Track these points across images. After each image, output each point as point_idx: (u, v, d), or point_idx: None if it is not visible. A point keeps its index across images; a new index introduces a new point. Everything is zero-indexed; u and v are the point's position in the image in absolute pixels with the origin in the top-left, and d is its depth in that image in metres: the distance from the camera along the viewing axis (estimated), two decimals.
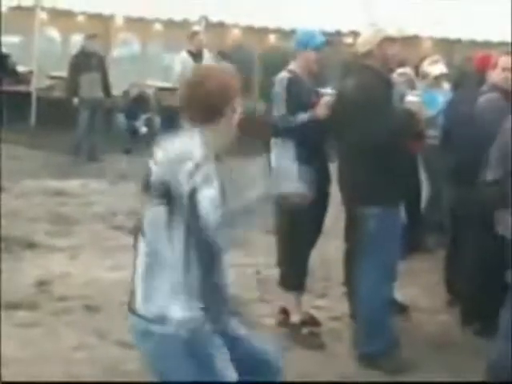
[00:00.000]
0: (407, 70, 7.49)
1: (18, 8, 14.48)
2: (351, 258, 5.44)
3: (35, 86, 14.34)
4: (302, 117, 5.26)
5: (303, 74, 5.46)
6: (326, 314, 5.86)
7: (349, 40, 12.42)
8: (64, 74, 12.97)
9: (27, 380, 4.54)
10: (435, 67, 7.91)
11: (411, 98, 5.17)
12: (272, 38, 15.19)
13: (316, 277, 6.26)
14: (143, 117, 13.29)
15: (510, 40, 9.56)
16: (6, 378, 4.44)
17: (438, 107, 6.76)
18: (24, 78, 14.78)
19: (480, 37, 12.52)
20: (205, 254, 2.98)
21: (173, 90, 12.21)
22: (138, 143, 12.72)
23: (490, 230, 4.87)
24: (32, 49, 14.48)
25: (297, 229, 5.35)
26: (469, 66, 6.60)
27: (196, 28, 11.86)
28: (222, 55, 14.54)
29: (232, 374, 3.09)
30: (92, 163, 11.75)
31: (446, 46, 13.05)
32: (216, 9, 13.30)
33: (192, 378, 3.02)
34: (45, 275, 6.42)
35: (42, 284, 6.24)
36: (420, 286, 6.53)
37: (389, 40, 5.02)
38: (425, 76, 7.90)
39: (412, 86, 7.19)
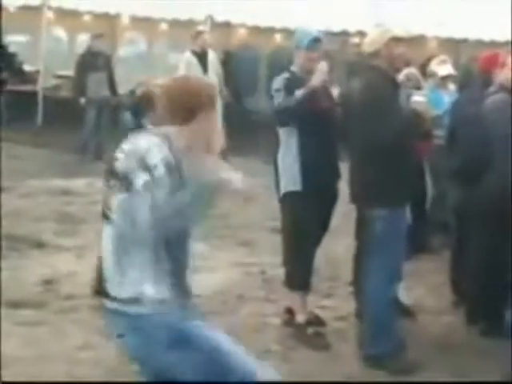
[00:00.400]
0: (413, 70, 7.48)
1: (25, 7, 14.48)
2: (360, 257, 5.46)
3: (42, 85, 14.36)
4: (299, 93, 5.22)
5: (302, 73, 5.42)
6: (331, 313, 5.86)
7: (355, 40, 12.39)
8: (70, 73, 12.99)
9: (31, 379, 4.55)
10: (443, 67, 7.89)
11: (417, 98, 5.17)
12: (278, 37, 15.17)
13: (322, 276, 6.27)
14: (149, 115, 13.28)
15: None
16: (10, 377, 4.46)
17: (444, 107, 6.76)
18: (31, 78, 14.79)
19: (486, 36, 12.49)
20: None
21: None
22: None
23: (494, 230, 4.88)
24: (39, 48, 14.49)
25: (302, 227, 5.35)
26: (475, 65, 6.60)
27: (201, 28, 11.86)
28: (227, 55, 14.58)
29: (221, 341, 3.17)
30: (98, 162, 11.71)
31: (452, 46, 13.02)
32: (222, 8, 13.30)
33: (177, 357, 3.07)
34: (51, 274, 6.44)
35: (48, 283, 6.25)
36: (425, 287, 6.53)
37: (395, 40, 5.01)
38: (432, 75, 7.89)
39: (418, 85, 7.18)
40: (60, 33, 16.35)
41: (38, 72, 14.64)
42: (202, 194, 3.05)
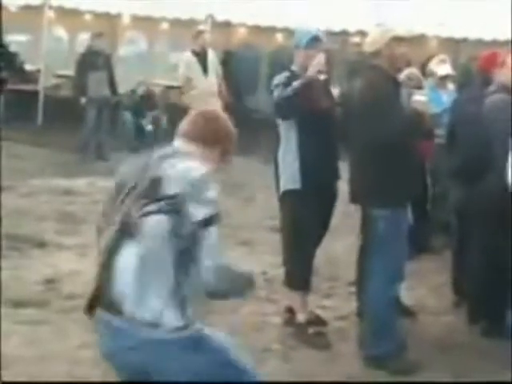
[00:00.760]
0: (414, 69, 7.48)
1: (26, 7, 14.50)
2: (362, 257, 5.47)
3: (42, 84, 14.37)
4: (296, 83, 5.21)
5: (302, 72, 5.38)
6: (332, 313, 5.87)
7: (356, 39, 12.40)
8: (71, 72, 12.99)
9: (31, 379, 4.55)
10: (442, 67, 7.90)
11: (418, 98, 5.17)
12: (279, 37, 15.18)
13: (322, 276, 6.27)
14: (150, 115, 13.31)
15: None
16: (11, 376, 4.46)
17: (443, 106, 6.77)
18: (31, 77, 14.81)
19: (486, 36, 12.49)
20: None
21: (179, 88, 12.24)
22: (145, 141, 12.76)
23: (495, 229, 4.89)
24: (39, 47, 14.51)
25: (301, 226, 5.35)
26: (474, 65, 6.60)
27: (201, 27, 11.86)
28: (228, 55, 14.58)
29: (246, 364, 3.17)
30: (99, 161, 11.77)
31: (452, 45, 13.03)
32: (223, 8, 13.31)
33: (205, 374, 3.03)
34: (53, 273, 6.45)
35: (50, 282, 6.26)
36: (427, 287, 6.54)
37: (397, 40, 5.01)
38: (431, 75, 7.89)
39: (419, 85, 7.18)
40: (61, 32, 16.36)
41: (38, 71, 14.66)
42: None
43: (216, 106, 9.44)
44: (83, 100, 12.03)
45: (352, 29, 13.28)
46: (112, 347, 3.10)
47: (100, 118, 12.23)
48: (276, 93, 5.31)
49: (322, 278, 6.30)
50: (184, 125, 3.25)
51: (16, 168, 9.91)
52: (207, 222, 2.89)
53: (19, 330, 5.25)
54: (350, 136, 5.15)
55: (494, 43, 11.34)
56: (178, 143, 3.19)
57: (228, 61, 14.24)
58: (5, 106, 13.39)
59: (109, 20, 15.16)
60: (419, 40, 11.83)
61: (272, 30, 14.21)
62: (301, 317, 5.50)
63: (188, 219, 2.89)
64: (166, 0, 13.72)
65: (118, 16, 15.12)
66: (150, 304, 2.94)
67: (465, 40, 13.09)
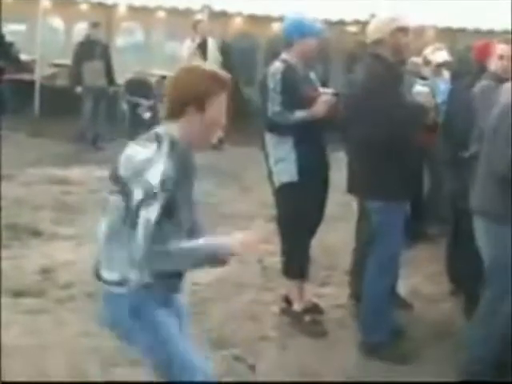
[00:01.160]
0: (416, 59, 7.46)
1: None
2: (360, 243, 5.48)
3: (39, 74, 14.34)
4: (300, 114, 5.16)
5: (298, 63, 5.31)
6: (328, 302, 5.89)
7: (353, 29, 12.39)
8: (67, 62, 12.98)
9: (30, 367, 4.58)
10: (438, 54, 7.87)
11: (420, 89, 5.13)
12: (275, 26, 15.14)
13: (319, 265, 6.29)
14: (146, 105, 13.30)
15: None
16: (10, 367, 4.48)
17: (441, 95, 6.76)
18: (27, 67, 14.77)
19: (484, 26, 12.49)
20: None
21: None
22: (141, 131, 12.72)
23: None
24: (35, 37, 14.46)
25: (298, 217, 5.35)
26: (470, 54, 6.59)
27: (199, 17, 11.86)
28: (224, 44, 14.56)
29: (185, 346, 3.22)
30: (96, 151, 11.77)
31: (450, 35, 13.02)
32: None
33: (142, 341, 3.23)
34: (49, 263, 6.46)
35: (46, 271, 6.27)
36: (422, 275, 6.56)
37: (402, 29, 4.90)
38: (427, 64, 7.87)
39: (421, 75, 7.18)
40: (57, 22, 16.31)
41: (34, 61, 14.61)
42: None
43: None
44: (79, 89, 12.03)
45: (348, 18, 13.27)
46: (103, 314, 3.34)
47: (96, 107, 12.23)
48: (272, 105, 5.17)
49: (319, 267, 6.31)
50: None
51: (12, 157, 9.89)
52: (139, 205, 3.00)
53: (19, 319, 5.27)
54: (350, 126, 5.10)
55: (491, 33, 11.34)
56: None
57: (225, 51, 14.21)
58: (1, 96, 13.36)
59: (105, 10, 15.11)
60: (417, 30, 11.81)
61: (268, 19, 14.17)
62: (297, 305, 5.52)
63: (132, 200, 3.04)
64: None
65: (114, 6, 15.08)
66: (117, 266, 3.15)
67: (462, 30, 13.08)
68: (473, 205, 4.60)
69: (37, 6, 14.24)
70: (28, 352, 4.79)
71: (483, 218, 4.51)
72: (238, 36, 15.43)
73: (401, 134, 4.77)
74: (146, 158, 3.05)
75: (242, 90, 14.43)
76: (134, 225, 3.01)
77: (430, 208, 7.50)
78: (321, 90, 5.52)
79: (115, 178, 3.14)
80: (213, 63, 10.78)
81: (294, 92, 5.18)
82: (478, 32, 12.42)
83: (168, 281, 3.21)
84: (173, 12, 14.31)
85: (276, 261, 5.90)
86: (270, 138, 5.36)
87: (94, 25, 12.34)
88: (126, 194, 3.07)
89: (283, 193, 5.39)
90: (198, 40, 11.23)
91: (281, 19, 14.30)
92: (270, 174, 5.46)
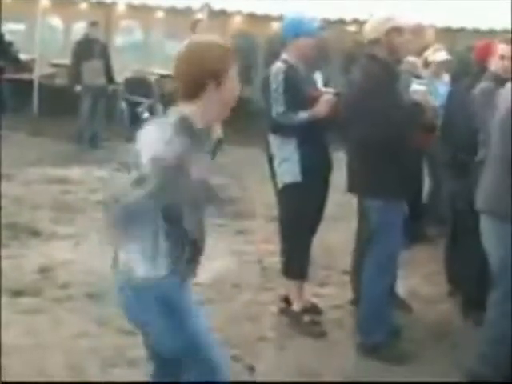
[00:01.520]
0: (413, 59, 7.46)
1: None
2: (358, 245, 5.47)
3: (38, 73, 14.33)
4: (302, 116, 5.17)
5: (298, 63, 5.32)
6: (327, 302, 5.89)
7: (352, 28, 12.39)
8: (66, 61, 12.97)
9: (28, 368, 4.57)
10: (438, 54, 7.88)
11: (417, 88, 5.13)
12: (275, 25, 15.13)
13: (318, 265, 6.28)
14: (145, 104, 13.28)
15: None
16: (8, 366, 4.47)
17: (441, 97, 6.76)
18: (26, 66, 14.77)
19: (483, 25, 12.49)
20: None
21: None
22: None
23: None
24: (34, 37, 14.46)
25: (301, 218, 5.35)
26: (470, 55, 6.58)
27: (198, 16, 11.85)
28: None
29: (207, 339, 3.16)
30: (94, 150, 11.77)
31: (449, 35, 13.02)
32: None
33: (162, 328, 3.09)
34: (48, 262, 6.45)
35: (45, 271, 6.26)
36: (421, 276, 6.55)
37: (397, 29, 4.93)
38: (428, 65, 7.88)
39: (418, 75, 7.17)
40: (56, 21, 16.31)
41: (33, 60, 14.61)
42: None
43: None
44: (78, 88, 12.02)
45: (348, 18, 13.27)
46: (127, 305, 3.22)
47: (95, 107, 12.22)
48: (275, 105, 5.18)
49: (318, 267, 6.30)
50: None
51: (12, 157, 9.88)
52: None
53: (17, 319, 5.26)
54: (349, 126, 5.10)
55: (491, 33, 11.34)
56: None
57: None
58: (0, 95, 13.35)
59: (104, 9, 15.11)
60: (416, 30, 11.80)
61: (268, 18, 14.17)
62: (296, 305, 5.52)
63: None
64: None
65: (113, 5, 15.08)
66: (124, 256, 3.12)
67: (461, 30, 13.08)
68: (482, 206, 4.59)
69: (36, 5, 14.24)
70: (26, 352, 4.78)
71: (494, 218, 4.49)
72: (238, 35, 15.42)
73: (398, 133, 4.77)
74: (146, 140, 2.99)
75: (241, 89, 14.43)
76: None
77: (429, 209, 7.50)
78: (322, 89, 5.52)
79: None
80: None
81: (296, 92, 5.19)
82: (477, 32, 12.42)
83: (188, 266, 3.14)
84: (172, 11, 14.31)
85: (275, 261, 5.90)
86: (273, 139, 5.37)
87: (93, 24, 12.33)
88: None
89: (286, 193, 5.38)
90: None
91: (280, 18, 14.31)
92: (273, 175, 5.46)
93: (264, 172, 5.57)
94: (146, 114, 13.12)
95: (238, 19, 15.32)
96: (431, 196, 7.59)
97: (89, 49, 12.08)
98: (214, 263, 6.50)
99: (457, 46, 11.54)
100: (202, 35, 3.17)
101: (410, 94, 5.03)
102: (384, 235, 4.96)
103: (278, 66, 5.28)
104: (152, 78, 14.01)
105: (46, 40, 14.63)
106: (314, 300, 5.79)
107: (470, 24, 12.82)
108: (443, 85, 7.53)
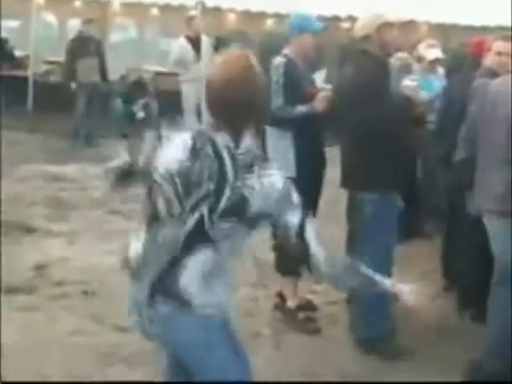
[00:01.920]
0: (405, 54, 7.48)
1: None
2: (352, 240, 5.47)
3: (32, 70, 14.29)
4: (300, 109, 5.23)
5: (298, 58, 5.41)
6: (322, 298, 5.89)
7: (346, 25, 12.39)
8: (61, 58, 12.94)
9: (24, 366, 4.57)
10: (431, 51, 7.87)
11: (408, 83, 5.17)
12: (269, 22, 15.14)
13: None
14: (140, 101, 13.27)
15: (506, 25, 9.55)
16: (3, 364, 4.47)
17: (434, 92, 6.77)
18: (21, 63, 14.72)
19: (477, 22, 12.50)
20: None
21: (170, 74, 12.23)
22: (135, 128, 12.72)
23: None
24: (29, 33, 14.42)
25: None
26: (464, 51, 6.60)
27: (193, 13, 11.84)
28: (218, 41, 14.52)
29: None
30: (90, 148, 11.75)
31: (442, 31, 13.03)
32: None
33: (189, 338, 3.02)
34: (43, 260, 6.45)
35: (40, 268, 6.26)
36: (417, 271, 6.55)
37: (387, 25, 5.03)
38: (420, 60, 7.87)
39: (409, 70, 7.18)
40: (50, 18, 16.28)
41: (28, 57, 14.57)
42: None
43: None
44: (73, 85, 12.01)
45: (343, 14, 13.27)
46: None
47: (90, 104, 12.21)
48: (275, 99, 5.24)
49: None
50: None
51: (7, 154, 9.86)
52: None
53: (12, 317, 5.26)
54: (341, 120, 5.14)
55: (484, 29, 11.35)
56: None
57: (219, 47, 14.19)
58: None
59: (99, 6, 15.07)
60: (409, 25, 11.80)
61: (263, 15, 14.16)
62: (291, 302, 5.52)
63: None
64: None
65: (108, 2, 15.04)
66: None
67: (455, 26, 13.09)
68: (491, 208, 4.60)
69: (30, 2, 14.18)
70: (22, 350, 4.78)
71: (505, 219, 4.50)
72: (232, 32, 15.40)
73: (389, 126, 4.82)
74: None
75: None
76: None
77: (424, 204, 7.50)
78: (321, 86, 5.57)
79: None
80: (206, 60, 10.80)
81: (295, 86, 5.27)
82: (470, 28, 12.42)
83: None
84: (166, 8, 14.28)
85: (270, 257, 5.90)
86: (270, 134, 5.38)
87: (87, 21, 12.31)
88: None
89: None
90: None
91: (275, 16, 14.34)
92: None
93: None
94: (141, 113, 13.12)
95: (232, 16, 15.31)
96: (427, 192, 7.59)
97: (83, 46, 12.05)
98: None
99: (450, 42, 11.56)
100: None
101: (401, 88, 5.07)
102: (379, 228, 4.96)
103: (279, 59, 5.37)
104: (147, 76, 13.99)
105: (40, 37, 14.58)
106: (309, 296, 5.79)
107: (463, 20, 12.82)
108: (437, 78, 7.54)
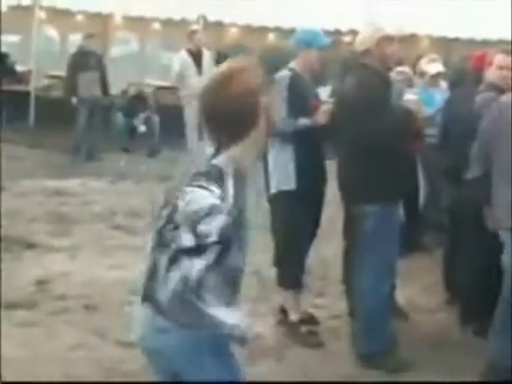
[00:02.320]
0: (405, 68, 7.50)
1: (17, 7, 14.46)
2: (349, 256, 5.46)
3: (34, 85, 14.32)
4: (303, 122, 5.25)
5: (304, 73, 5.45)
6: (324, 312, 5.87)
7: (347, 39, 12.43)
8: (62, 73, 12.97)
9: (26, 380, 4.56)
10: (432, 66, 7.92)
11: (409, 97, 5.18)
12: (271, 36, 15.19)
13: (314, 275, 6.28)
14: (141, 116, 13.29)
15: (507, 38, 9.56)
16: (4, 378, 4.45)
17: (436, 106, 6.77)
18: (23, 78, 14.76)
19: (478, 35, 12.53)
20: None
21: (171, 88, 12.25)
22: (137, 142, 12.75)
23: (487, 228, 4.90)
24: (30, 48, 14.46)
25: (294, 226, 5.35)
26: (466, 64, 6.61)
27: (195, 27, 11.88)
28: (220, 55, 14.56)
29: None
30: (91, 162, 11.76)
31: (444, 45, 13.06)
32: (214, 8, 13.30)
33: (213, 376, 2.94)
34: (44, 275, 6.43)
35: (41, 283, 6.24)
36: (418, 285, 6.54)
37: (387, 39, 5.04)
38: (422, 74, 7.91)
39: (410, 84, 7.21)
40: (52, 33, 16.33)
41: (29, 72, 14.61)
42: None
43: None
44: (74, 100, 12.02)
45: (344, 28, 13.31)
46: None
47: (91, 118, 12.22)
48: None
49: (315, 277, 6.30)
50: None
51: (8, 168, 9.87)
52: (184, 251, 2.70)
53: (13, 331, 5.24)
54: (341, 133, 5.14)
55: (485, 43, 11.38)
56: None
57: (220, 61, 14.21)
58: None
59: (100, 20, 15.13)
60: (411, 39, 11.85)
61: (264, 30, 14.21)
62: (293, 316, 5.51)
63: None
64: (157, 0, 13.70)
65: (110, 16, 15.10)
66: None
67: (456, 39, 13.12)
68: (506, 223, 4.60)
69: (32, 16, 14.24)
70: (23, 365, 4.76)
71: None
72: (234, 47, 15.44)
73: (389, 139, 4.82)
74: (203, 206, 2.62)
75: None
76: (170, 264, 2.69)
77: (426, 217, 7.49)
78: (324, 100, 5.60)
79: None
80: (207, 74, 10.81)
81: (299, 99, 5.28)
82: (472, 42, 12.45)
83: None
84: (168, 22, 14.34)
85: (272, 271, 5.88)
86: (270, 146, 5.38)
87: (88, 36, 12.35)
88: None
89: (280, 200, 5.40)
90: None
91: (276, 30, 14.39)
92: (267, 182, 5.47)
93: (258, 180, 5.56)
94: (143, 127, 13.14)
95: (233, 31, 15.35)
96: (428, 204, 7.58)
97: (84, 60, 12.08)
98: None
99: (452, 55, 11.59)
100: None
101: (402, 102, 5.08)
102: (381, 241, 4.95)
103: (284, 72, 5.41)
104: (148, 90, 14.02)
105: (42, 51, 14.62)
106: (312, 310, 5.77)
107: (464, 34, 12.86)
108: (439, 92, 7.55)
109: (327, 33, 12.18)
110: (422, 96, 6.10)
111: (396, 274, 5.33)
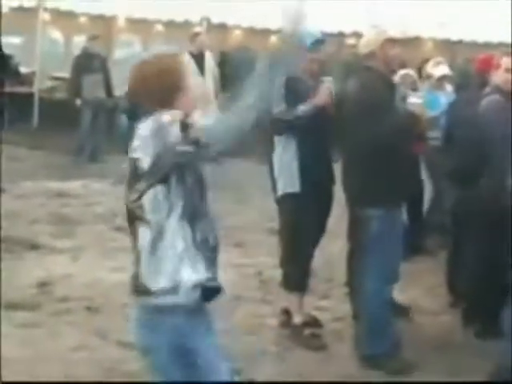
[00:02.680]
0: (410, 71, 7.49)
1: (21, 9, 14.49)
2: (353, 258, 5.45)
3: (38, 86, 14.33)
4: (303, 108, 5.22)
5: (301, 74, 5.34)
6: (328, 315, 5.86)
7: (351, 41, 12.41)
8: (66, 74, 12.99)
9: (27, 380, 4.55)
10: (438, 68, 7.92)
11: (413, 100, 5.17)
12: (274, 39, 15.15)
13: (318, 278, 6.26)
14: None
15: (507, 41, 9.55)
16: (6, 379, 4.44)
17: (441, 108, 6.76)
18: (26, 79, 14.78)
19: (481, 38, 12.52)
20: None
21: None
22: None
23: (491, 231, 4.89)
24: (34, 50, 14.48)
25: (299, 229, 5.33)
26: (470, 67, 6.60)
27: (197, 29, 11.87)
28: (223, 57, 14.58)
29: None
30: (94, 164, 11.76)
31: (448, 48, 13.05)
32: (218, 10, 13.30)
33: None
34: (46, 276, 6.43)
35: (43, 285, 6.24)
36: (422, 288, 6.52)
37: (391, 41, 5.04)
38: (428, 77, 7.92)
39: (414, 87, 7.19)
40: (56, 34, 16.35)
41: (33, 74, 14.62)
42: None
43: (212, 108, 9.48)
44: (78, 102, 12.03)
45: (347, 30, 13.30)
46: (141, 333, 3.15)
47: (95, 120, 12.22)
48: (276, 105, 5.22)
49: (319, 280, 6.28)
50: None
51: (11, 170, 9.87)
52: None
53: (14, 332, 5.23)
54: (345, 136, 5.14)
55: (488, 45, 11.37)
56: None
57: (223, 63, 14.22)
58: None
59: (104, 22, 15.15)
60: (414, 42, 11.84)
61: (267, 32, 14.19)
62: (297, 318, 5.49)
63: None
64: (160, 2, 13.70)
65: (113, 18, 15.11)
66: (165, 269, 3.04)
67: (460, 42, 13.12)
68: None
69: (36, 18, 14.26)
70: (24, 365, 4.75)
71: None
72: (237, 49, 15.45)
73: (393, 142, 4.81)
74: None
75: None
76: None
77: (429, 220, 7.48)
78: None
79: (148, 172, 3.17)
80: (209, 77, 10.82)
81: (297, 89, 5.23)
82: (475, 44, 12.45)
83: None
84: (171, 24, 14.34)
85: (275, 273, 5.87)
86: (276, 145, 5.38)
87: (92, 38, 12.36)
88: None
89: (286, 203, 5.39)
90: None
91: (280, 32, 14.36)
92: (273, 184, 5.46)
93: (263, 183, 5.56)
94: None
95: (237, 33, 15.35)
96: (432, 206, 7.57)
97: (88, 62, 12.08)
98: None
99: (456, 58, 11.57)
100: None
101: (406, 105, 5.07)
102: (384, 244, 4.94)
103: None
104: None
105: (46, 53, 14.64)
106: (315, 313, 5.76)
107: (468, 36, 12.85)
108: (445, 95, 7.54)
109: (330, 35, 12.27)
110: (427, 98, 6.09)
111: (399, 276, 5.31)
